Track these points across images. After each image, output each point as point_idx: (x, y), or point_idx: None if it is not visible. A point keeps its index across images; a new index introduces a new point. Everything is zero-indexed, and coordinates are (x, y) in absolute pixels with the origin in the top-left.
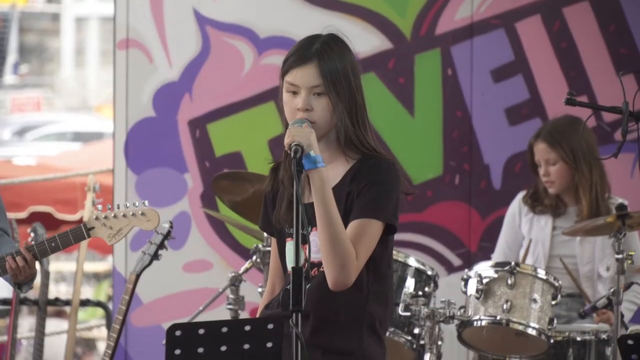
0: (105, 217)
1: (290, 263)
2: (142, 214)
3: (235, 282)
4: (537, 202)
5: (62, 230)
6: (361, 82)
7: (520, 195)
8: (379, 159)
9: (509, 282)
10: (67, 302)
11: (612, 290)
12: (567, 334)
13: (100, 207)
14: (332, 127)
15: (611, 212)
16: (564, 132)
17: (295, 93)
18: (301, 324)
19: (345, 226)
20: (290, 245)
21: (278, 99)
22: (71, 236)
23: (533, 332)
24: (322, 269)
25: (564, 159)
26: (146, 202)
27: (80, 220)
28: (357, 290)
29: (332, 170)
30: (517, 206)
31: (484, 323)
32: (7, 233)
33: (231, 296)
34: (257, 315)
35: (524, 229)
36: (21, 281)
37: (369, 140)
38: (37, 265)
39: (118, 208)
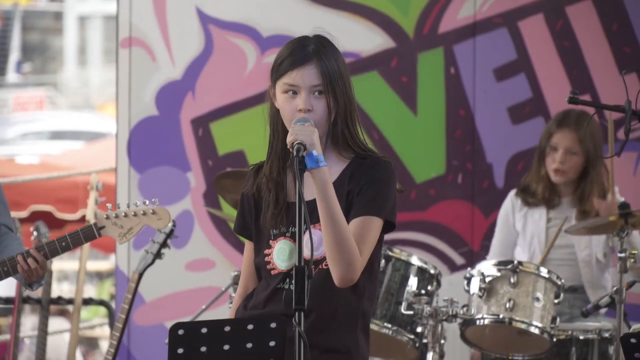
0: (116, 216)
1: (282, 262)
2: (153, 212)
3: (238, 281)
4: (529, 195)
5: (63, 229)
6: (351, 81)
7: (512, 193)
8: (375, 158)
9: (512, 280)
10: (70, 301)
11: (614, 288)
12: (569, 332)
13: (109, 205)
14: (331, 125)
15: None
16: (590, 125)
17: (294, 93)
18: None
19: (347, 224)
20: (282, 245)
21: (268, 103)
22: (82, 235)
23: (536, 331)
24: (323, 266)
25: (586, 153)
26: (156, 201)
27: (82, 219)
28: (354, 288)
29: (328, 170)
30: (509, 204)
31: (486, 322)
32: (11, 230)
33: (234, 295)
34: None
35: (518, 226)
36: (33, 281)
37: (361, 139)
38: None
39: (128, 207)
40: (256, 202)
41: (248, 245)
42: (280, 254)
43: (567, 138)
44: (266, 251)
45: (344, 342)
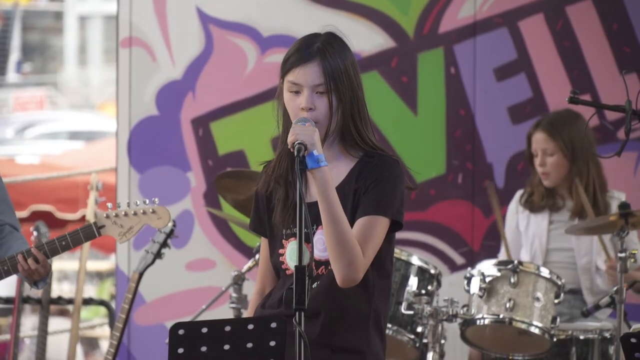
0: (116, 216)
1: (294, 262)
2: (153, 211)
3: (238, 281)
4: (533, 205)
5: (64, 229)
6: (361, 79)
7: (519, 194)
8: (383, 157)
9: (512, 280)
10: (70, 301)
11: (615, 288)
12: (570, 332)
13: (110, 205)
14: (335, 125)
15: (609, 207)
16: (564, 123)
17: (297, 92)
18: (311, 322)
19: (353, 223)
20: (293, 245)
21: (277, 100)
22: (82, 234)
23: (536, 331)
24: (330, 267)
25: (562, 151)
26: (156, 200)
27: (82, 219)
28: (364, 287)
29: (335, 169)
30: (514, 205)
31: (487, 322)
32: (16, 229)
33: (234, 295)
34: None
35: (521, 226)
36: (36, 280)
37: (370, 137)
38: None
39: (128, 206)
40: (268, 199)
41: (264, 243)
42: (292, 255)
43: (540, 140)
44: (280, 250)
45: (355, 342)
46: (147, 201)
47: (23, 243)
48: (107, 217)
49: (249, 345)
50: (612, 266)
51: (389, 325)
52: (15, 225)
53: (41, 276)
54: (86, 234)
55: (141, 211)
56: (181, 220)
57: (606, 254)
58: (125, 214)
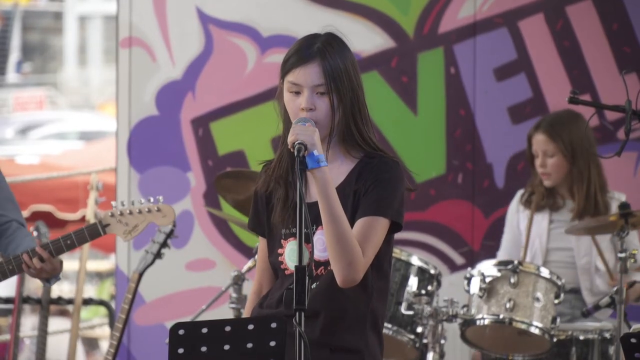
0: (121, 214)
1: (294, 263)
2: (158, 210)
3: (238, 281)
4: (533, 204)
5: (64, 229)
6: (361, 79)
7: (519, 194)
8: (384, 158)
9: (512, 281)
10: (70, 301)
11: (615, 289)
12: (570, 332)
13: (114, 203)
14: (335, 125)
15: (609, 208)
16: (564, 125)
17: (297, 93)
18: (310, 323)
19: (353, 224)
20: (292, 245)
21: (277, 100)
22: (86, 233)
23: (536, 331)
24: (329, 268)
25: (562, 152)
26: (160, 198)
27: (82, 219)
28: (363, 288)
29: (336, 169)
30: (515, 205)
31: (487, 322)
32: (23, 225)
33: (234, 295)
34: (248, 316)
35: (521, 226)
36: (45, 277)
37: (372, 137)
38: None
39: (133, 204)
40: (267, 199)
41: (262, 243)
42: (291, 255)
43: (540, 141)
44: (279, 250)
45: (354, 342)
46: (152, 199)
47: (32, 240)
48: (112, 215)
49: (249, 345)
50: (613, 285)
51: (389, 326)
52: (21, 221)
53: (49, 274)
54: (91, 233)
55: (146, 209)
56: (181, 220)
57: (602, 257)
58: (130, 212)
